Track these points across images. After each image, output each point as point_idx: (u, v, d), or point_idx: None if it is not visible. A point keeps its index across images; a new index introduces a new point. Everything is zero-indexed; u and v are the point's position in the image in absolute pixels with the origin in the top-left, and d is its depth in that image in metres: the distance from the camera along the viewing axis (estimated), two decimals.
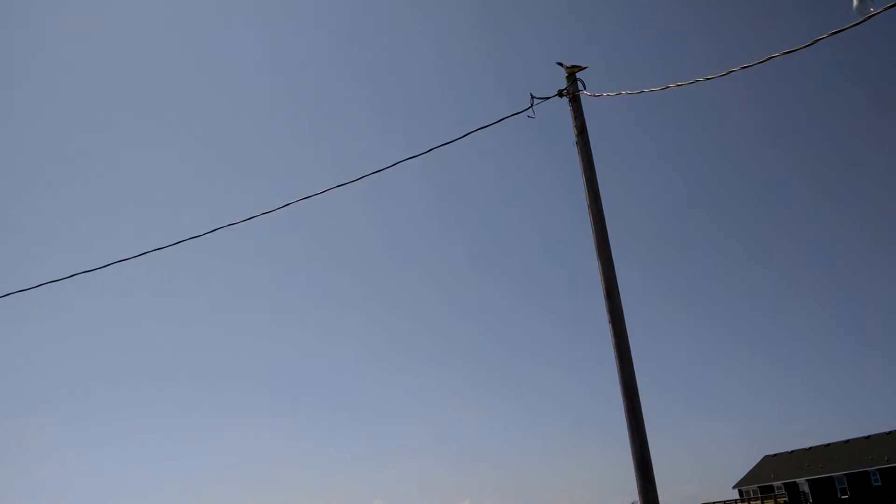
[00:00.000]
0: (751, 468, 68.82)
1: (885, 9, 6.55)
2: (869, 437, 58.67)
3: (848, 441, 60.49)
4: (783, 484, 61.03)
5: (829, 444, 62.27)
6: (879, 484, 53.06)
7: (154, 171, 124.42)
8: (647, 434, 7.93)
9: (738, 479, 68.04)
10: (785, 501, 52.92)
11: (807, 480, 59.12)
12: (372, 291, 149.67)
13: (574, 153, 9.05)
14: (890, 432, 56.85)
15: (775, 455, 67.83)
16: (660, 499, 7.93)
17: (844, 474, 56.24)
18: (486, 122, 9.53)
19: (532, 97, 9.18)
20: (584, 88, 9.21)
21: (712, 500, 58.97)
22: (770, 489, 61.62)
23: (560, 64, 9.32)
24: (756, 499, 57.39)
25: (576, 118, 9.06)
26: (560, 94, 9.22)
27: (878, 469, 53.47)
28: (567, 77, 9.29)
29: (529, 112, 9.16)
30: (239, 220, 11.11)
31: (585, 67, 9.35)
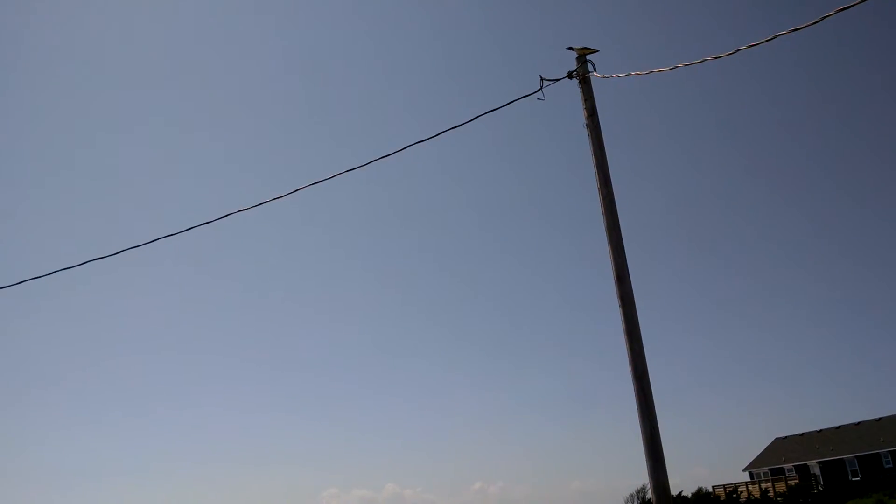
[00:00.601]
0: (761, 451, 68.91)
1: None
2: (880, 419, 58.58)
3: (859, 423, 60.41)
4: (794, 466, 61.06)
5: (839, 427, 62.21)
6: (891, 466, 53.03)
7: (158, 161, 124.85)
8: (658, 417, 7.93)
9: (749, 462, 68.15)
10: (796, 483, 52.93)
11: (817, 462, 59.13)
12: (381, 276, 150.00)
13: (585, 136, 8.99)
14: None
15: (786, 438, 67.87)
16: (670, 481, 7.94)
17: (855, 456, 56.20)
18: (495, 105, 9.48)
19: (541, 79, 9.11)
20: (594, 70, 9.13)
21: (723, 483, 59.12)
22: (781, 471, 61.69)
23: (571, 48, 9.24)
24: (767, 481, 57.46)
25: (586, 100, 8.99)
26: (570, 75, 9.14)
27: (889, 451, 53.40)
28: (577, 59, 9.21)
29: (539, 94, 9.09)
30: (249, 206, 11.13)
31: (596, 51, 9.26)
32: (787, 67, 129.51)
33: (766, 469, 64.20)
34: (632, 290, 8.26)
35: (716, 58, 8.88)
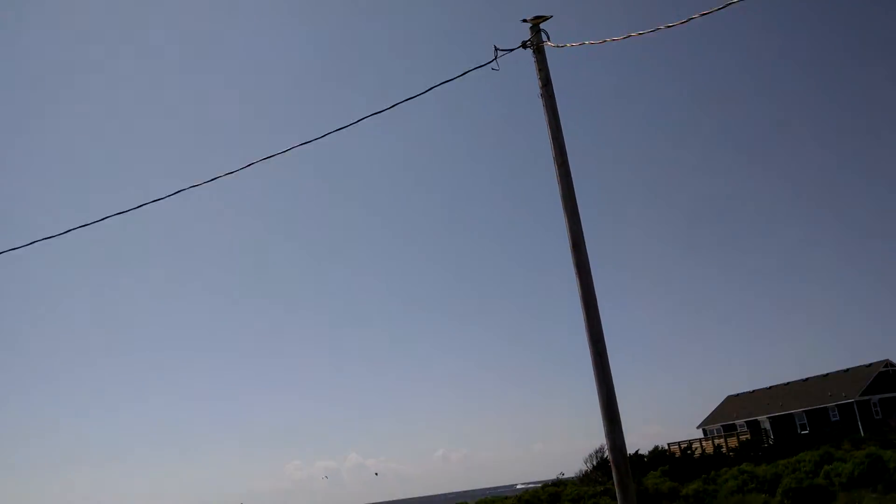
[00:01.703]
0: (714, 408, 70.95)
1: None
2: (827, 374, 60.71)
3: (807, 379, 62.51)
4: (745, 422, 63.09)
5: (788, 383, 64.32)
6: (837, 419, 55.16)
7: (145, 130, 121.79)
8: (615, 379, 8.14)
9: (703, 419, 70.15)
10: (747, 438, 54.68)
11: (768, 418, 61.20)
12: (337, 250, 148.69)
13: (541, 106, 9.03)
14: (847, 370, 58.90)
15: (738, 395, 69.93)
16: (627, 439, 8.19)
17: (804, 411, 58.30)
18: (450, 76, 9.47)
19: (496, 49, 9.10)
20: (549, 39, 9.15)
21: (678, 440, 60.79)
22: (733, 427, 63.67)
23: (525, 20, 9.23)
24: (720, 437, 59.23)
25: (540, 70, 9.01)
26: (524, 45, 9.15)
27: (835, 405, 55.51)
28: (531, 28, 9.21)
29: (493, 65, 9.09)
30: (202, 181, 11.00)
31: (550, 17, 9.27)
32: (745, 32, 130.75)
33: (718, 426, 66.18)
34: (587, 258, 8.40)
35: (668, 26, 8.98)
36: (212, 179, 10.90)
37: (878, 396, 53.91)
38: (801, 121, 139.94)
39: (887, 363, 56.10)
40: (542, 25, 9.18)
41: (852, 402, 53.90)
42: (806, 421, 57.88)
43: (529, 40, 9.06)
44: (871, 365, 56.92)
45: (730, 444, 54.02)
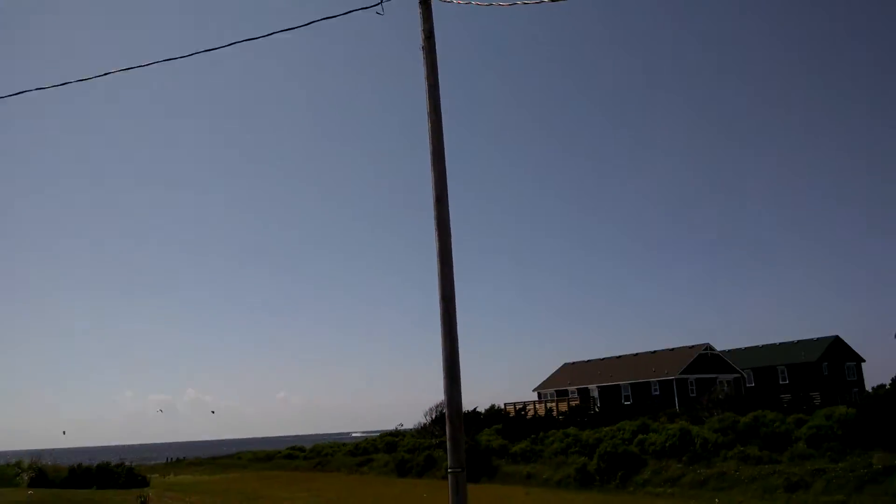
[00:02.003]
0: (551, 374, 74.79)
1: None
2: (655, 352, 65.41)
3: (637, 354, 67.11)
4: (577, 389, 66.99)
5: (620, 357, 68.79)
6: (658, 393, 59.67)
7: None
8: (461, 339, 8.29)
9: (539, 383, 73.79)
10: (577, 404, 58.10)
11: (597, 387, 65.27)
12: (200, 206, 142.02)
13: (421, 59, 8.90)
14: (673, 349, 63.68)
15: (574, 363, 74.02)
16: (468, 397, 8.41)
17: (629, 383, 62.64)
18: (333, 13, 9.14)
19: None
20: None
21: (514, 402, 63.73)
22: (565, 393, 67.43)
23: None
24: (552, 401, 62.59)
25: (424, 22, 8.86)
26: None
27: (657, 380, 60.02)
28: None
29: (378, 8, 8.85)
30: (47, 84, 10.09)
31: None
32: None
33: (553, 390, 69.88)
34: (448, 215, 8.44)
35: None
36: (63, 84, 10.02)
37: (696, 376, 58.77)
38: (666, 82, 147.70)
39: (707, 346, 61.15)
40: None
41: (672, 380, 58.47)
42: (630, 393, 62.27)
43: None
44: (693, 347, 61.86)
45: (560, 409, 57.25)
